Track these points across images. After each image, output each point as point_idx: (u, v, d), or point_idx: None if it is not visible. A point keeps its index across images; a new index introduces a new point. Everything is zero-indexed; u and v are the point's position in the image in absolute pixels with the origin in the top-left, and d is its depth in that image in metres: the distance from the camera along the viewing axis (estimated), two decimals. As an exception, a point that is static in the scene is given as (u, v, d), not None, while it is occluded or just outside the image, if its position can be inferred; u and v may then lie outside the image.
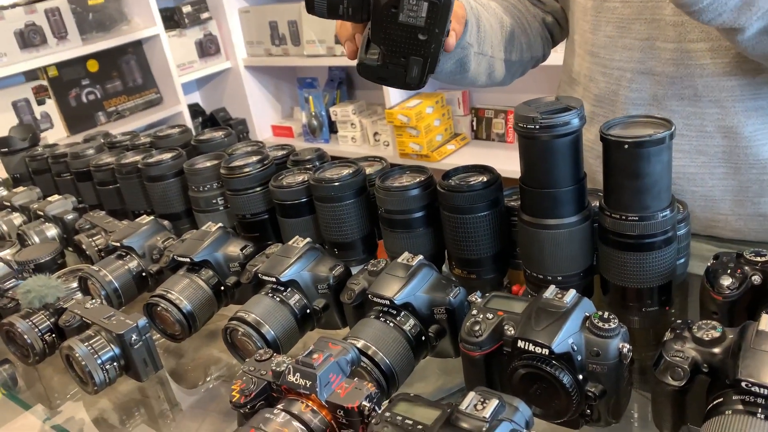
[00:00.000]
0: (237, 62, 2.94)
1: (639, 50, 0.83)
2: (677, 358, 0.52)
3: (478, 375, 0.62)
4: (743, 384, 0.47)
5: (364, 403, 0.55)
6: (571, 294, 0.58)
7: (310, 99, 2.81)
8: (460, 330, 0.62)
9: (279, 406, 0.57)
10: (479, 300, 0.63)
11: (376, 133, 2.67)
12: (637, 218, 0.65)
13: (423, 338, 0.68)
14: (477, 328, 0.60)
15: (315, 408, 0.57)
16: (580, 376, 0.55)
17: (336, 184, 0.86)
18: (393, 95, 2.48)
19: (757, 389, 0.47)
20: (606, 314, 0.56)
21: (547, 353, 0.55)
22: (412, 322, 0.68)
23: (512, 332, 0.59)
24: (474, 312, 0.62)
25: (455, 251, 0.80)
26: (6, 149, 1.42)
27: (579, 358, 0.55)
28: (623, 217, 0.66)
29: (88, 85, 2.61)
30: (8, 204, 1.26)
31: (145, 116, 2.69)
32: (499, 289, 0.81)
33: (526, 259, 0.74)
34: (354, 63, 0.71)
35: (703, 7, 0.63)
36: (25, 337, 0.82)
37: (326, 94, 2.84)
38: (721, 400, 0.49)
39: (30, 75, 2.49)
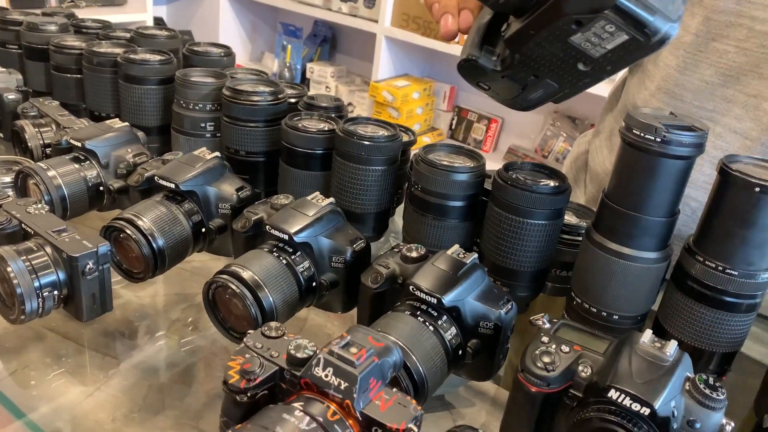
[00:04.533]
0: (217, -15, 2.70)
1: (741, 106, 0.72)
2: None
3: (528, 415, 0.50)
4: None
5: (411, 426, 0.42)
6: (673, 346, 0.48)
7: (288, 48, 2.61)
8: (523, 356, 0.50)
9: (297, 405, 0.43)
10: (548, 325, 0.52)
11: (350, 104, 2.51)
12: (736, 273, 0.56)
13: (460, 352, 0.56)
14: (549, 359, 0.49)
15: (343, 417, 0.43)
16: (672, 448, 0.46)
17: (367, 143, 0.73)
18: (382, 69, 2.33)
19: None
20: (712, 379, 0.47)
21: (647, 413, 0.44)
22: (453, 330, 0.56)
23: (588, 373, 0.48)
24: (545, 339, 0.51)
25: (494, 255, 0.68)
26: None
27: (675, 426, 0.46)
28: (719, 268, 0.57)
29: (47, -41, 2.29)
30: (-67, 61, 1.03)
31: (102, 14, 2.39)
32: (525, 311, 0.71)
33: (581, 285, 0.64)
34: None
35: None
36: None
37: (306, 48, 2.65)
38: None
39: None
